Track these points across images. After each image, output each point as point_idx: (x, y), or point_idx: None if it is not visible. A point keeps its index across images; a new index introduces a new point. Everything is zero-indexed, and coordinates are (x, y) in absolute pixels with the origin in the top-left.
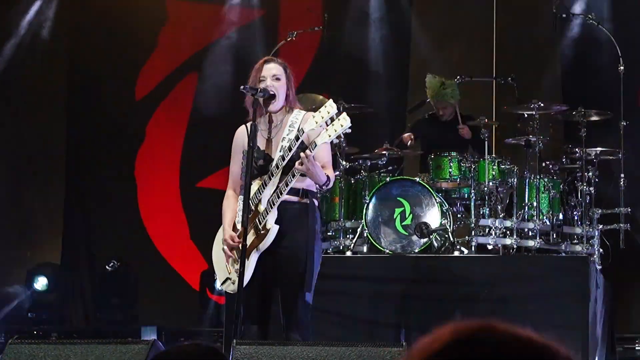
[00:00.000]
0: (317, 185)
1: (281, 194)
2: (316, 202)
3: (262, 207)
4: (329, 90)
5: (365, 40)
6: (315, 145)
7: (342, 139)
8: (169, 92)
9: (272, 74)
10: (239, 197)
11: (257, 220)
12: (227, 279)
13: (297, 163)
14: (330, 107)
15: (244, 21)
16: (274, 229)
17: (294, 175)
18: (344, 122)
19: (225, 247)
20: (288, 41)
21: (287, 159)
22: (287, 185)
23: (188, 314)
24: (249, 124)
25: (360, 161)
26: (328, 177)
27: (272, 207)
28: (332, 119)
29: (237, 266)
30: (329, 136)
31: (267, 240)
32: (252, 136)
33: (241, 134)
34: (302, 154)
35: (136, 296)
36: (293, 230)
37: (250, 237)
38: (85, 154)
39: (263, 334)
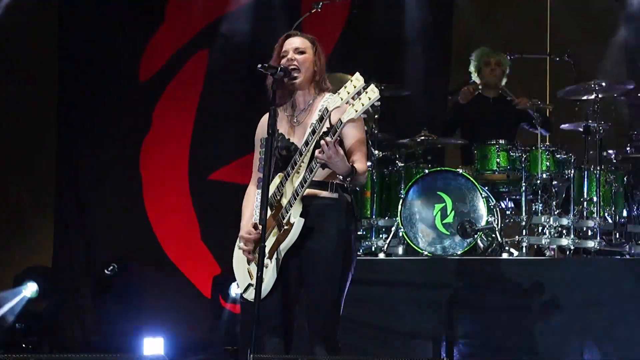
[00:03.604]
0: (341, 178)
1: (305, 182)
2: (348, 198)
3: (285, 201)
4: (359, 70)
5: (401, 12)
6: (341, 124)
7: (373, 126)
8: (177, 72)
9: (295, 47)
10: (257, 192)
11: (280, 215)
12: (250, 285)
13: (317, 151)
14: (356, 80)
15: None
16: (298, 222)
17: (316, 165)
18: (372, 94)
19: (242, 245)
20: (312, 13)
21: (311, 145)
22: (311, 172)
23: (198, 324)
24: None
25: (395, 150)
26: (354, 168)
27: (295, 199)
28: (359, 94)
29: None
30: (356, 111)
31: (292, 237)
32: (271, 122)
33: (266, 120)
34: (321, 141)
35: (139, 304)
36: (320, 228)
37: (272, 237)
38: (81, 143)
39: (286, 348)
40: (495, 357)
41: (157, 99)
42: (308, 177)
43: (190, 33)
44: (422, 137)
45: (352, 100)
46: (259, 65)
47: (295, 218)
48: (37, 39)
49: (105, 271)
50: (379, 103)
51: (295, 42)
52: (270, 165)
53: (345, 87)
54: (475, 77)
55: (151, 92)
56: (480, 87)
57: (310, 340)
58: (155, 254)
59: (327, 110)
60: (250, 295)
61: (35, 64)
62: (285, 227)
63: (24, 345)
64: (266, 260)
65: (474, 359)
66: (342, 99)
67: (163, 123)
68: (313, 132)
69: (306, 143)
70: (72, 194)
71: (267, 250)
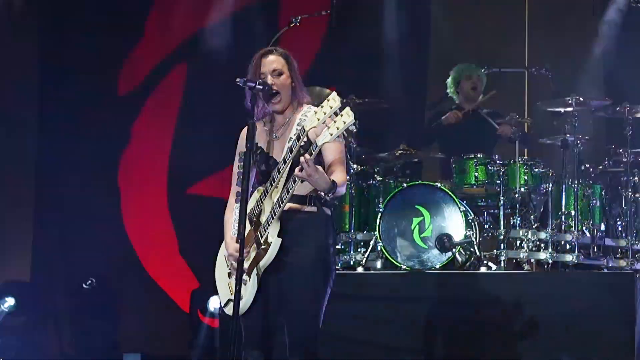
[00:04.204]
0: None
1: (282, 202)
2: (327, 211)
3: (263, 218)
4: (338, 84)
5: (380, 27)
6: (316, 146)
7: (352, 140)
8: (156, 86)
9: (272, 69)
10: (235, 206)
11: (258, 233)
12: (229, 300)
13: (296, 169)
14: (333, 100)
15: (240, 4)
16: (275, 242)
17: (294, 182)
18: (347, 118)
19: (233, 262)
20: (291, 27)
21: (288, 162)
22: (288, 192)
23: (177, 339)
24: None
25: (374, 164)
26: (334, 182)
27: (273, 218)
28: (336, 114)
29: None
30: (331, 135)
31: (269, 256)
32: (250, 136)
33: (245, 134)
34: (301, 158)
35: (117, 319)
36: (298, 243)
37: (252, 254)
38: (60, 157)
39: None
40: None
41: (136, 113)
42: (285, 196)
43: (169, 47)
44: (401, 151)
45: (328, 120)
46: (238, 79)
47: (273, 237)
48: (17, 52)
49: (83, 285)
50: (354, 128)
51: (271, 62)
52: (248, 180)
53: (322, 107)
54: (451, 92)
55: (130, 106)
56: (457, 102)
57: (289, 354)
58: (134, 268)
59: (304, 130)
60: (230, 309)
61: (15, 77)
62: (264, 246)
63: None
64: (245, 277)
65: None
66: (318, 119)
67: (142, 137)
68: (290, 150)
69: (284, 161)
70: (50, 208)
71: (246, 266)
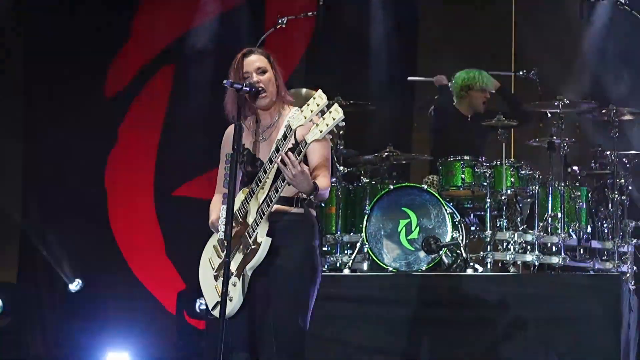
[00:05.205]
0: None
1: (271, 202)
2: (313, 212)
3: (250, 219)
4: (324, 85)
5: (366, 28)
6: (306, 144)
7: (338, 142)
8: (143, 88)
9: (256, 67)
10: (222, 207)
11: (246, 233)
12: (218, 302)
13: (277, 157)
14: (319, 98)
15: (227, 6)
16: (266, 241)
17: (284, 180)
18: (336, 115)
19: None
20: (277, 28)
21: (275, 162)
22: (277, 191)
23: (163, 340)
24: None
25: (360, 166)
26: (316, 185)
27: (262, 218)
28: (322, 112)
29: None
30: (320, 132)
31: (259, 256)
32: (236, 138)
33: (230, 133)
34: (284, 155)
35: (103, 320)
36: (286, 244)
37: (239, 255)
38: (46, 158)
39: None
40: None
41: (123, 114)
42: (274, 195)
43: (156, 49)
44: (387, 153)
45: (316, 119)
46: (225, 81)
47: (263, 237)
48: (3, 53)
49: (70, 286)
50: (343, 123)
51: (254, 61)
52: (235, 181)
53: (308, 105)
54: (455, 91)
55: (117, 107)
56: (454, 103)
57: (277, 356)
58: (120, 269)
59: (291, 129)
60: (218, 312)
61: (0, 79)
62: (253, 247)
63: None
64: (234, 279)
65: None
66: (305, 117)
67: (129, 138)
68: (277, 149)
69: (270, 160)
70: (37, 210)
71: (234, 268)
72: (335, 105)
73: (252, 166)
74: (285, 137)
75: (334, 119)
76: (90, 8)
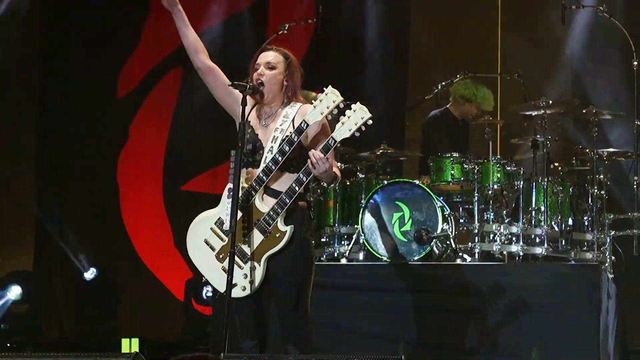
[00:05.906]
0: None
1: (294, 194)
2: (304, 204)
3: (263, 207)
4: (320, 87)
5: (362, 34)
6: (334, 142)
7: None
8: (152, 88)
9: (267, 61)
10: (227, 201)
11: (262, 220)
12: (235, 284)
13: (309, 164)
14: (333, 94)
15: (230, 12)
16: (290, 230)
17: (309, 174)
18: (364, 114)
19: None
20: (279, 34)
21: (288, 155)
22: (301, 184)
23: (172, 325)
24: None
25: (356, 162)
26: (336, 175)
27: (281, 210)
28: (338, 108)
29: (243, 271)
30: (349, 130)
31: (282, 244)
32: (241, 136)
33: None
34: (317, 156)
35: (116, 306)
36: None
37: (256, 240)
38: (61, 154)
39: (261, 350)
40: (450, 357)
41: (134, 113)
42: (297, 188)
43: (165, 52)
44: (382, 150)
45: (345, 118)
46: (229, 83)
47: (286, 226)
48: (19, 56)
49: (85, 275)
50: (371, 122)
51: (268, 56)
52: (239, 177)
53: (321, 101)
54: (455, 94)
55: (128, 107)
56: (448, 105)
57: (283, 341)
58: (132, 259)
59: (307, 124)
60: (235, 292)
61: (17, 80)
62: (277, 235)
63: (8, 345)
64: (253, 263)
65: (430, 359)
66: (322, 114)
67: (139, 136)
68: (290, 142)
69: (282, 152)
70: (52, 203)
71: (249, 252)
72: (358, 104)
73: (253, 146)
74: (300, 131)
75: (362, 118)
76: (104, 13)
